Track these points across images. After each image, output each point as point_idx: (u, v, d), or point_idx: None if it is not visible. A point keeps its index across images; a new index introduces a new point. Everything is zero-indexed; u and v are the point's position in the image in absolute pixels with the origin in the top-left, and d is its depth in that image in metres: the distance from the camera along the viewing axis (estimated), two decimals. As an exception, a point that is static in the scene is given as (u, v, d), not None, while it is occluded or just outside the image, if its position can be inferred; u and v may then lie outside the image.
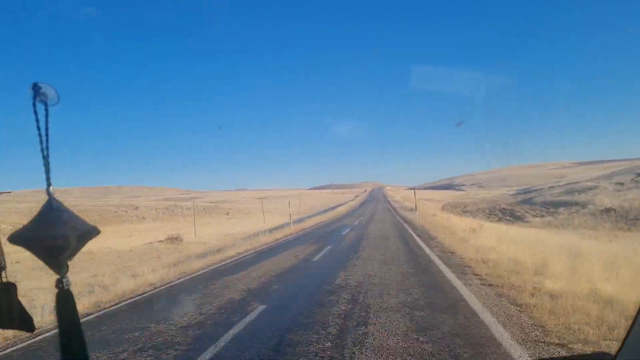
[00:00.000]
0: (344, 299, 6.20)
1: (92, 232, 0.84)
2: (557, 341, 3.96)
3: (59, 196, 0.82)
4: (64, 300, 0.81)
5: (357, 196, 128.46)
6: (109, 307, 7.01)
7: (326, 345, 4.24)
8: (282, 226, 25.74)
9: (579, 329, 4.17)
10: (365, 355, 3.87)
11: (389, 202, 69.42)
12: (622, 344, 1.42)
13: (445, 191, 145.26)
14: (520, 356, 3.63)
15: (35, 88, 0.80)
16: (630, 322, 1.39)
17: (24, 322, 0.84)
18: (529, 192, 69.64)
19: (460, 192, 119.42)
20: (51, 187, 0.82)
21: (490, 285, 6.56)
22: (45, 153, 0.82)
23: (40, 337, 5.36)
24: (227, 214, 70.17)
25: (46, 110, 0.82)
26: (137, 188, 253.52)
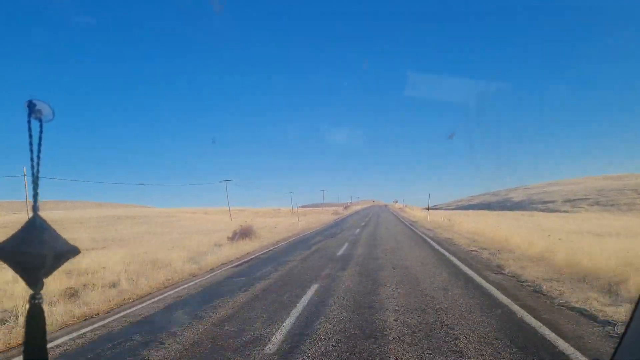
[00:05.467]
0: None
1: (71, 252, 0.84)
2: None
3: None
4: (35, 316, 0.81)
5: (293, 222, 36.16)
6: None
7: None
8: None
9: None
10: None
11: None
12: (616, 349, 1.39)
13: (525, 213, 61.01)
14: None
15: (30, 105, 0.81)
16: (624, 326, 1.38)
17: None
18: None
19: (584, 216, 51.46)
20: (38, 204, 0.83)
21: None
22: (35, 170, 0.82)
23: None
24: None
25: (41, 127, 0.83)
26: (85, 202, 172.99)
